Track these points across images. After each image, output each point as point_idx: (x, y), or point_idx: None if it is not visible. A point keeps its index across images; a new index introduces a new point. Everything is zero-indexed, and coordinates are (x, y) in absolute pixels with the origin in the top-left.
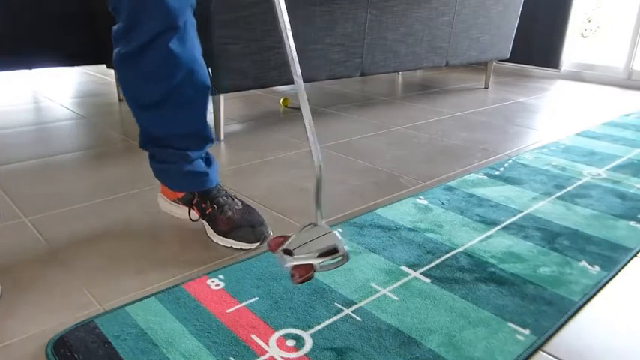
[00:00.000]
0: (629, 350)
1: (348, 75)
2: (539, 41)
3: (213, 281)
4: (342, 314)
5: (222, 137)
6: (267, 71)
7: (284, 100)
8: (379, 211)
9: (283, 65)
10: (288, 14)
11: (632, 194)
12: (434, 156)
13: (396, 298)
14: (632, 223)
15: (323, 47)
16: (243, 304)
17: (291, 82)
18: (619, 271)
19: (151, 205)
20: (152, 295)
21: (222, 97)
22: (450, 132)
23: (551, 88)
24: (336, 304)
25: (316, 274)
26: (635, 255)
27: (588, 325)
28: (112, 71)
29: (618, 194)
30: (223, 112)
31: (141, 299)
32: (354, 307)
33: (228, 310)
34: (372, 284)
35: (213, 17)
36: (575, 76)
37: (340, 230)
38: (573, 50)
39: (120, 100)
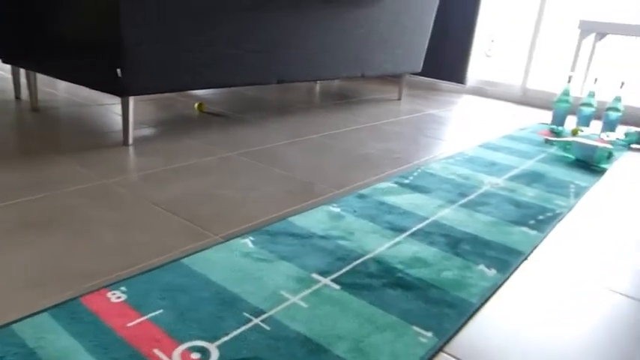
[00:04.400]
0: (521, 347)
1: (265, 82)
2: (447, 58)
3: (114, 294)
4: (250, 324)
5: (130, 142)
6: (182, 74)
7: (199, 104)
8: (292, 219)
9: (200, 68)
10: (202, 18)
11: (526, 202)
12: (349, 164)
13: (305, 305)
14: (524, 228)
15: (239, 52)
16: (146, 317)
17: (208, 86)
18: (512, 273)
19: (47, 214)
20: (44, 310)
21: (131, 99)
22: (365, 141)
23: (458, 102)
24: (244, 313)
25: (225, 284)
26: (526, 258)
27: (485, 325)
28: (9, 67)
29: (514, 202)
30: (133, 115)
31: (31, 315)
32: (263, 317)
33: (129, 324)
34: (282, 292)
35: (121, 16)
36: (479, 92)
37: (252, 238)
38: (478, 68)
39: (17, 98)
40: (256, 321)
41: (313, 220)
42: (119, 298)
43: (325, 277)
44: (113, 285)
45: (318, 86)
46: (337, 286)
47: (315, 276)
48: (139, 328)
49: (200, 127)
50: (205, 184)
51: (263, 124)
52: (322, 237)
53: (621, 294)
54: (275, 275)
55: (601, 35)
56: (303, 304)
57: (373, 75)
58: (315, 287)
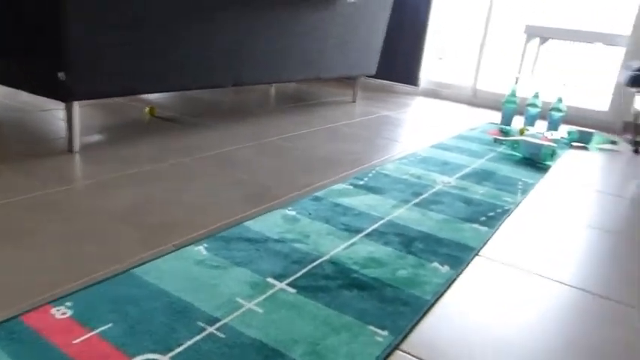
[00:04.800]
0: (474, 339)
1: (220, 85)
2: (400, 60)
3: (58, 310)
4: (204, 333)
5: (76, 149)
6: (131, 78)
7: (150, 109)
8: (247, 224)
9: (151, 71)
10: (154, 18)
11: (476, 199)
12: (304, 167)
13: (261, 311)
14: (475, 225)
15: (193, 55)
16: (94, 332)
17: (159, 90)
18: (464, 269)
19: None
20: None
21: (76, 104)
22: (321, 143)
23: (411, 104)
24: (198, 322)
25: (178, 293)
26: (477, 254)
27: (440, 320)
28: None
29: (465, 200)
30: (79, 120)
31: None
32: (217, 325)
33: (75, 341)
34: (237, 299)
35: (65, 13)
36: (432, 94)
37: (206, 245)
38: (430, 70)
39: None
40: (210, 329)
41: (268, 224)
42: (64, 314)
43: (281, 281)
44: (57, 300)
45: (273, 89)
46: (293, 290)
47: (270, 280)
48: (86, 344)
49: (152, 133)
50: (158, 191)
51: (218, 128)
52: (277, 241)
53: (565, 284)
54: (229, 282)
55: (544, 39)
56: (258, 309)
57: (329, 77)
58: (270, 292)
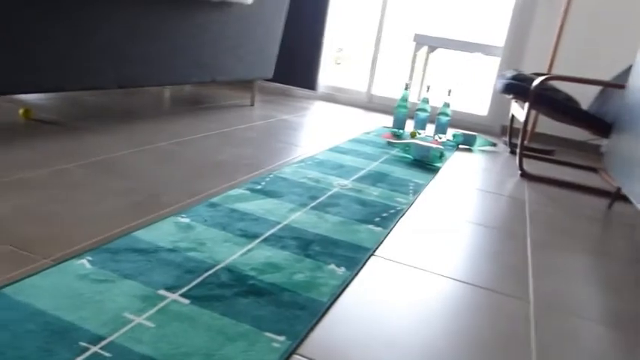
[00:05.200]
0: (370, 338)
1: (104, 86)
2: (298, 65)
3: None
4: (87, 353)
5: None
6: (4, 75)
7: (25, 111)
8: (137, 234)
9: (24, 69)
10: (27, 12)
11: (371, 201)
12: (199, 172)
13: (152, 325)
14: (370, 226)
15: (76, 54)
16: None
17: (32, 90)
18: (360, 269)
19: None
20: None
21: None
22: (217, 148)
23: (310, 108)
24: (80, 343)
25: (57, 312)
26: (372, 254)
27: (336, 322)
28: None
29: (360, 202)
30: None
31: None
32: (102, 343)
33: None
34: (126, 314)
35: None
36: (329, 98)
37: (90, 258)
38: (328, 74)
39: None
40: (95, 349)
41: (160, 233)
42: None
43: (173, 292)
44: None
45: (167, 92)
46: (186, 301)
47: (162, 292)
48: None
49: (27, 137)
50: (34, 200)
51: (105, 132)
52: (170, 250)
53: (453, 279)
54: (117, 296)
55: (432, 48)
56: (149, 323)
57: (224, 80)
58: (162, 304)
